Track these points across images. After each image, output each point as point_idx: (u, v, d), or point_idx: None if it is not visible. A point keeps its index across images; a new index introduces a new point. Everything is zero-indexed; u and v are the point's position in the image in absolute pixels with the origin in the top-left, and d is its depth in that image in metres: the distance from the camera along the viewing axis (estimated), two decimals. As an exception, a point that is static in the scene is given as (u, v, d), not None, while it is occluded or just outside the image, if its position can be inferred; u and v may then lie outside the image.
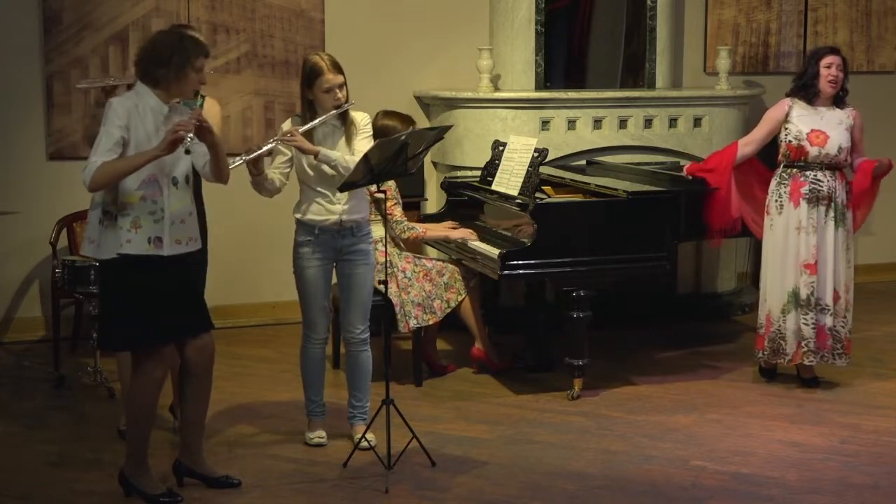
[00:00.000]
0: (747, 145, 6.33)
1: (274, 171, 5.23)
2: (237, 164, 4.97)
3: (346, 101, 5.17)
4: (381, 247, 5.38)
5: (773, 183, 6.23)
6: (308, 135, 5.17)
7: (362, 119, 5.26)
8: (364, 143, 5.16)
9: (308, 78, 5.17)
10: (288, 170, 5.27)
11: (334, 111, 5.15)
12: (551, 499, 4.82)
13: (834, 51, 6.18)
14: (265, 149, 5.04)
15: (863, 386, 6.35)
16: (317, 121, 5.16)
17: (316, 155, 5.12)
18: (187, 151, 4.52)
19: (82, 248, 4.69)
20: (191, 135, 4.46)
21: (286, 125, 5.24)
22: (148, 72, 4.57)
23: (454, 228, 6.43)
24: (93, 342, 6.11)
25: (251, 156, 5.00)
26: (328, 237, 5.25)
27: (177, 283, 4.65)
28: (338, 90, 5.14)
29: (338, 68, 5.16)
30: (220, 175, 4.75)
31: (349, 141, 5.20)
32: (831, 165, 6.11)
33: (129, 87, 4.99)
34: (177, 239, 4.61)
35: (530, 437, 5.55)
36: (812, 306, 6.10)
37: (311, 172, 5.21)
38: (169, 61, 4.53)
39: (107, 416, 5.78)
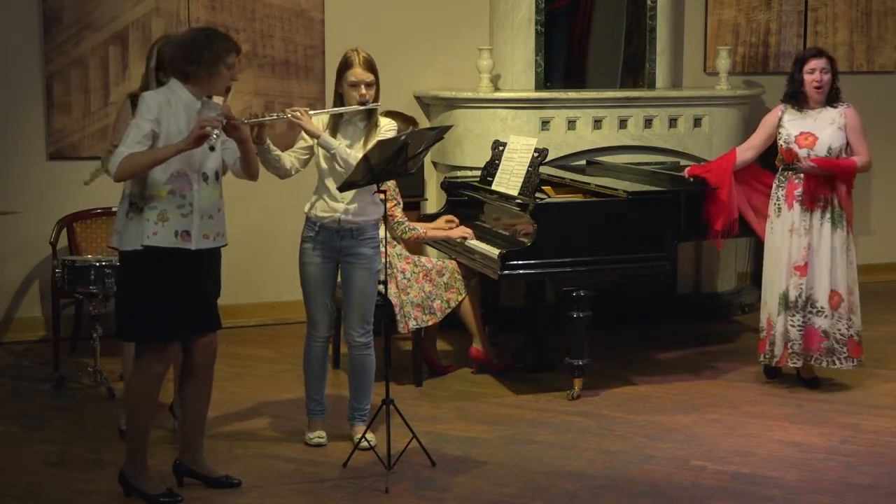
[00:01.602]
0: (747, 150, 6.36)
1: (289, 153, 5.26)
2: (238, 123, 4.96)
3: (374, 102, 5.18)
4: (381, 247, 5.39)
5: (773, 187, 6.26)
6: (334, 128, 5.18)
7: (386, 125, 5.26)
8: None
9: (339, 70, 5.22)
10: (305, 157, 5.28)
11: (354, 107, 5.16)
12: (551, 499, 4.82)
13: (817, 54, 6.16)
14: (267, 118, 5.05)
15: (863, 386, 6.35)
16: (332, 109, 5.19)
17: (318, 138, 5.13)
18: (212, 148, 4.55)
19: (110, 239, 4.72)
20: (217, 131, 4.48)
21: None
22: (178, 67, 4.61)
23: (451, 227, 6.44)
24: (93, 341, 6.11)
25: (252, 120, 5.00)
26: (328, 235, 5.25)
27: (194, 280, 4.66)
28: (364, 87, 5.15)
29: (369, 66, 5.18)
30: (251, 172, 4.81)
31: (367, 142, 5.19)
32: None
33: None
34: (205, 233, 4.64)
35: (530, 437, 5.55)
36: (800, 308, 6.10)
37: (324, 165, 5.22)
38: (199, 58, 4.56)
39: (107, 416, 5.78)
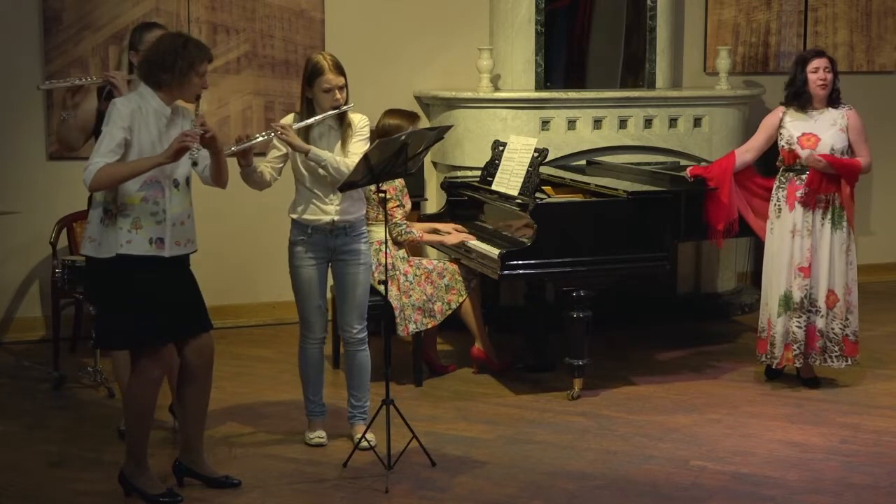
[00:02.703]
0: (747, 152, 6.37)
1: (265, 165, 5.23)
2: (225, 153, 4.95)
3: (346, 104, 5.18)
4: (384, 248, 5.39)
5: (774, 188, 6.27)
6: (304, 133, 5.17)
7: (359, 121, 5.26)
8: (359, 145, 5.16)
9: (309, 76, 5.18)
10: (280, 165, 5.27)
11: (332, 111, 5.15)
12: (551, 499, 4.82)
13: (819, 53, 6.20)
14: (255, 141, 5.03)
15: (863, 386, 6.35)
16: (312, 119, 5.17)
17: (307, 153, 5.12)
18: (195, 164, 4.58)
19: (82, 246, 4.69)
20: (196, 145, 4.48)
21: (285, 121, 5.24)
22: (151, 75, 4.59)
23: (449, 232, 6.41)
24: (92, 342, 6.11)
25: (240, 147, 4.99)
26: (321, 237, 5.25)
27: (174, 283, 4.67)
28: (337, 91, 5.14)
29: (339, 70, 5.16)
30: (220, 180, 4.80)
31: (344, 143, 5.20)
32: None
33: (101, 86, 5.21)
34: (176, 241, 4.64)
35: (530, 437, 5.55)
36: (805, 309, 6.12)
37: (305, 172, 5.21)
38: (173, 66, 4.55)
39: (107, 416, 5.78)
